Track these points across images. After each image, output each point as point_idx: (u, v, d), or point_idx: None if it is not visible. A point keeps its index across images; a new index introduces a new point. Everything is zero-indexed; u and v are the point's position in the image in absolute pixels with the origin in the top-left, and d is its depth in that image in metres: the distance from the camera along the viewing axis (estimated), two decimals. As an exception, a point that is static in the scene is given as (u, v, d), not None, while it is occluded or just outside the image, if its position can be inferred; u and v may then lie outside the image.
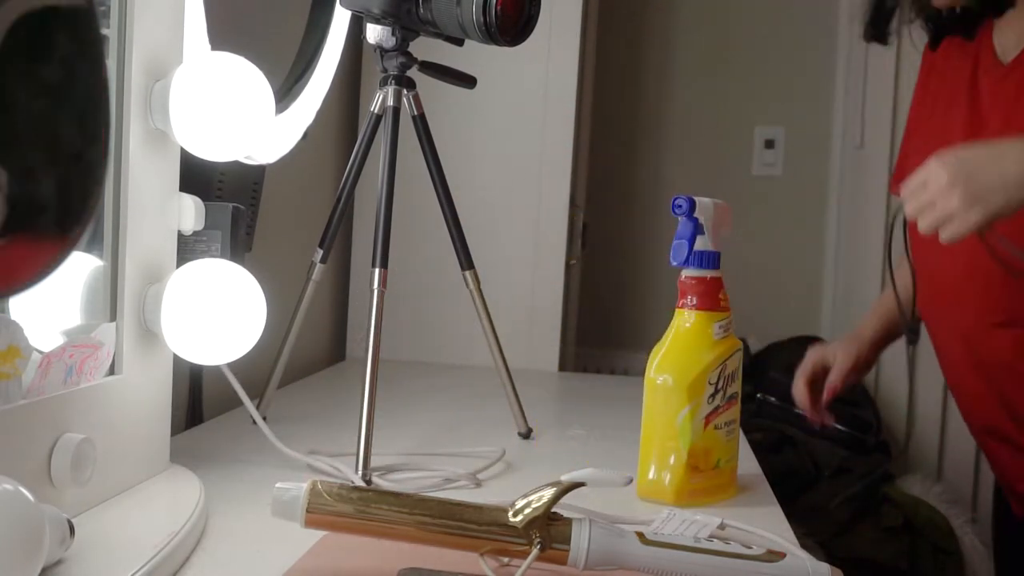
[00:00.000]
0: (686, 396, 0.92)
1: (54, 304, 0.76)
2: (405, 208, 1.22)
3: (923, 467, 2.33)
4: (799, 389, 1.39)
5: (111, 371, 0.78)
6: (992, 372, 1.23)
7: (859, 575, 1.70)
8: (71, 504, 0.69)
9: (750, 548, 0.68)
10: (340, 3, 1.07)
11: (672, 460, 0.93)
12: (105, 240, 0.78)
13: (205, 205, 0.88)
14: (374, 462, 0.95)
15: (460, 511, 0.67)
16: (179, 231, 0.86)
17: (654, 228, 2.67)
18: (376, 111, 1.08)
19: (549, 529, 0.66)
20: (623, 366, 2.55)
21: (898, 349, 1.42)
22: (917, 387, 2.32)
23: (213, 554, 0.73)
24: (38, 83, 0.40)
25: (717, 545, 0.67)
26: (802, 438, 1.98)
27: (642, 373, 0.96)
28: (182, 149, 0.85)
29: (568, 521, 0.67)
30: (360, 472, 0.93)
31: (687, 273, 0.95)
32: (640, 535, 0.67)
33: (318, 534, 0.73)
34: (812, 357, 1.40)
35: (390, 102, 1.05)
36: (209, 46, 0.98)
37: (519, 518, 0.66)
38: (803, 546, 0.82)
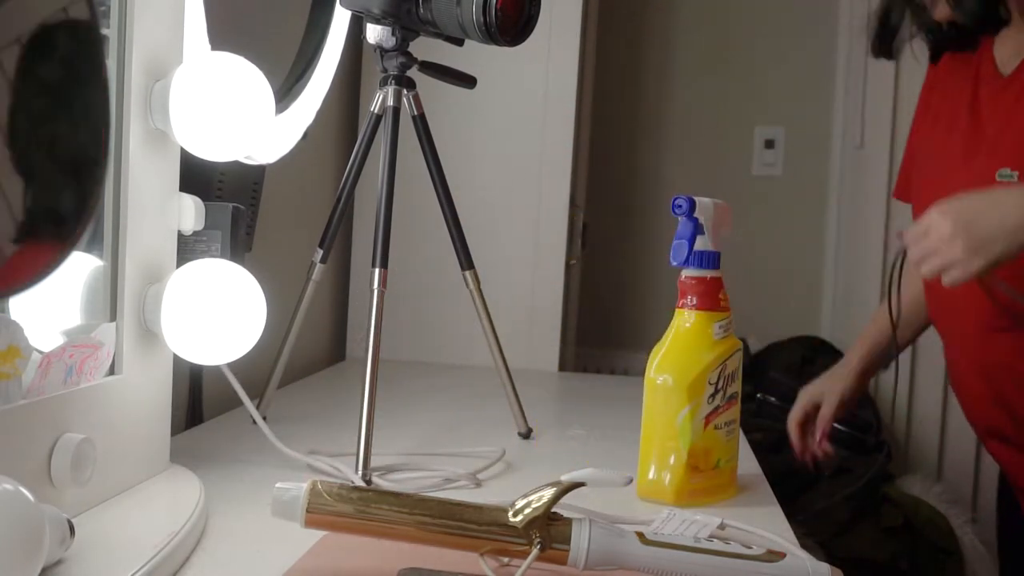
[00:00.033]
0: (686, 396, 0.92)
1: (54, 304, 0.76)
2: (405, 208, 1.22)
3: (923, 467, 2.33)
4: (791, 431, 1.46)
5: (111, 371, 0.78)
6: (992, 372, 1.23)
7: (859, 575, 1.70)
8: (71, 504, 0.69)
9: (750, 548, 0.68)
10: (340, 3, 1.07)
11: (672, 460, 0.93)
12: (105, 240, 0.78)
13: (205, 205, 0.88)
14: (374, 462, 0.95)
15: (460, 511, 0.67)
16: (179, 231, 0.86)
17: (654, 228, 2.67)
18: (376, 111, 1.08)
19: (549, 529, 0.66)
20: (623, 366, 2.55)
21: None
22: (917, 387, 2.34)
23: (213, 554, 0.73)
24: (43, 89, 0.40)
25: (717, 545, 0.67)
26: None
27: (642, 373, 0.96)
28: (182, 149, 0.85)
29: (568, 521, 0.67)
30: (360, 472, 0.93)
31: (687, 273, 0.95)
32: (640, 535, 0.67)
33: (318, 534, 0.73)
34: (803, 400, 1.47)
35: (390, 102, 1.05)
36: (209, 46, 0.98)
37: (519, 518, 0.66)
38: (803, 546, 0.82)
